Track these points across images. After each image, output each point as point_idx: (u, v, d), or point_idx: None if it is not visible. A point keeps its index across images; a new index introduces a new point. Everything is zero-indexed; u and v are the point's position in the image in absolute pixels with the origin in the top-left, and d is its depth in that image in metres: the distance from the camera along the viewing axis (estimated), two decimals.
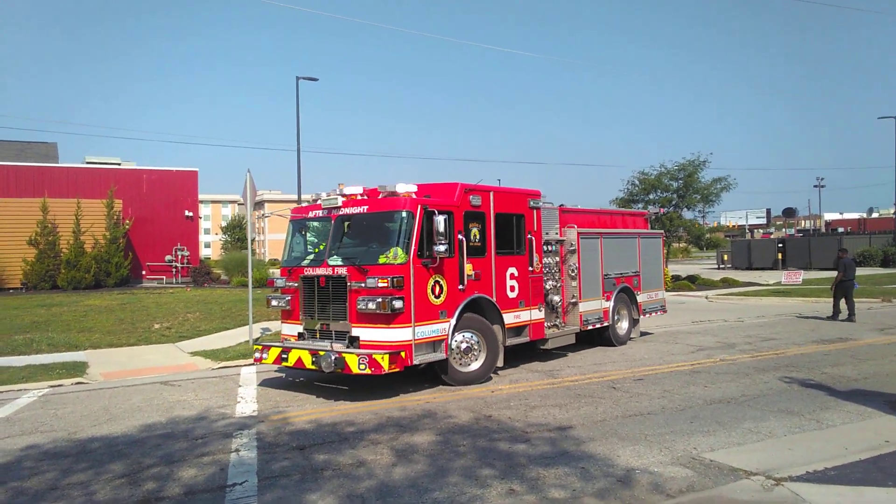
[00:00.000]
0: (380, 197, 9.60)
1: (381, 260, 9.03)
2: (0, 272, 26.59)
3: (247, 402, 9.03)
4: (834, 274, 18.35)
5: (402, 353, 8.81)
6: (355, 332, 9.16)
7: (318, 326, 9.62)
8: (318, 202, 10.19)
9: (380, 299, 8.71)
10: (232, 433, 7.37)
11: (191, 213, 35.71)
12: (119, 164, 39.54)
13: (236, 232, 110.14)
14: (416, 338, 9.03)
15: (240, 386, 10.17)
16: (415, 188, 9.54)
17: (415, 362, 9.01)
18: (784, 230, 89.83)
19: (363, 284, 8.96)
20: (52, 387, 10.49)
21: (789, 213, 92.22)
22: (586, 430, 7.25)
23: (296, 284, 9.82)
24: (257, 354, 9.96)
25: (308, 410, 8.48)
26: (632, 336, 14.22)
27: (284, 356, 9.45)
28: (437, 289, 9.36)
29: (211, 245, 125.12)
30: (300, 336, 9.86)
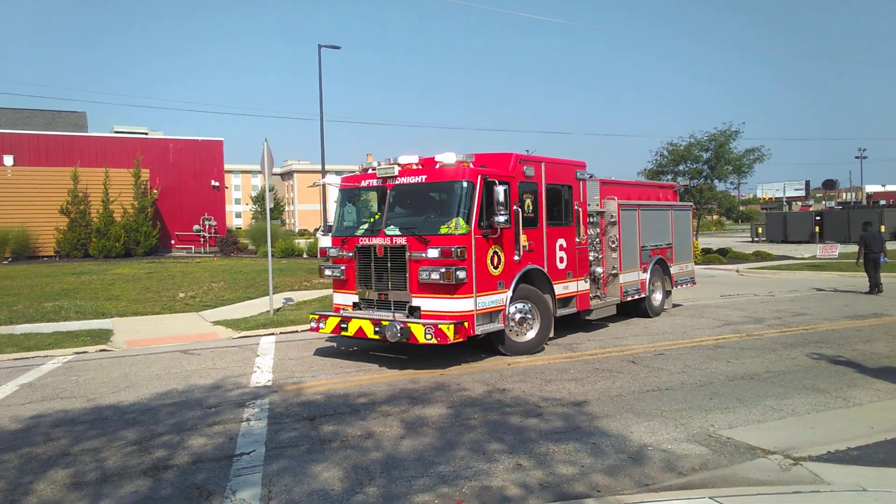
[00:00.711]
0: (437, 167, 9.43)
1: (443, 230, 8.92)
2: (34, 240, 27.17)
3: (263, 371, 9.07)
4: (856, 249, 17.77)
5: (465, 324, 8.79)
6: (416, 301, 9.11)
7: (375, 296, 9.55)
8: (370, 171, 10.02)
9: (443, 269, 8.66)
10: (245, 402, 7.40)
11: (217, 183, 35.94)
12: (146, 134, 39.88)
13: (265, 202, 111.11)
14: (478, 308, 9.01)
15: (258, 356, 10.23)
16: (472, 158, 9.47)
17: (476, 332, 8.99)
18: (824, 203, 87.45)
19: (424, 255, 8.89)
20: (76, 353, 10.69)
21: (829, 184, 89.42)
22: (601, 405, 7.10)
23: (350, 254, 9.76)
24: (313, 324, 9.87)
25: (322, 381, 8.48)
26: (665, 307, 14.28)
27: (344, 326, 9.40)
28: (496, 259, 9.34)
29: (242, 215, 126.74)
30: (355, 306, 9.82)
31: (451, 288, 8.81)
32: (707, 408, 6.94)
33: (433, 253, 8.80)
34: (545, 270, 10.30)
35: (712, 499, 4.45)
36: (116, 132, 41.22)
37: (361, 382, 8.35)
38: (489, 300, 9.20)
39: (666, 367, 8.87)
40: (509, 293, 9.51)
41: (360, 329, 9.20)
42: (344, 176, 10.76)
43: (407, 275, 9.10)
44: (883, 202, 61.88)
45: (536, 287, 10.13)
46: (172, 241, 33.93)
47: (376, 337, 9.05)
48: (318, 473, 5.24)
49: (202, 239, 34.91)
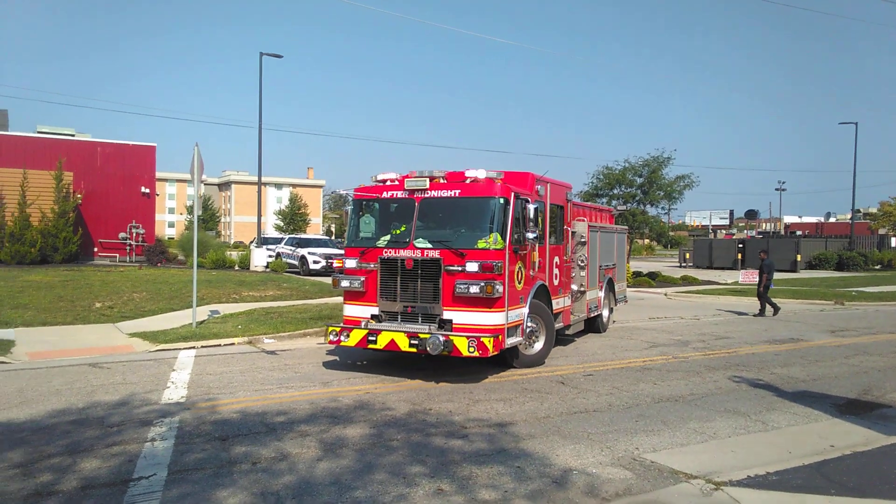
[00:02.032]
0: (467, 182, 9.57)
1: (481, 245, 9.02)
2: None
3: (177, 387, 8.53)
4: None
5: (499, 337, 8.88)
6: (447, 314, 9.09)
7: (400, 308, 9.43)
8: (388, 182, 10.04)
9: (483, 283, 8.75)
10: (152, 421, 6.89)
11: (147, 190, 34.55)
12: (73, 136, 37.97)
13: (201, 213, 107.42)
14: (508, 322, 9.14)
15: (174, 370, 9.64)
16: (502, 175, 9.62)
17: (505, 346, 9.08)
18: (746, 231, 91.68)
19: (461, 268, 8.95)
20: None
21: (751, 214, 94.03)
22: (528, 426, 6.96)
23: (372, 266, 9.60)
24: (333, 337, 9.56)
25: (240, 398, 8.03)
26: (609, 324, 15.00)
27: (372, 338, 9.16)
28: (520, 275, 9.56)
29: (175, 225, 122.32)
30: (375, 318, 9.63)
31: (488, 302, 8.89)
32: (633, 430, 6.91)
33: (472, 267, 8.89)
34: (548, 286, 10.72)
35: None
36: (40, 132, 39.11)
37: (282, 400, 7.95)
38: (514, 314, 9.34)
39: (594, 389, 8.84)
40: (527, 308, 9.77)
41: (393, 342, 9.05)
42: (358, 186, 10.64)
43: (440, 287, 9.07)
44: (799, 233, 65.28)
45: (542, 302, 10.43)
46: (95, 249, 32.33)
47: (411, 350, 8.90)
48: (223, 500, 4.86)
49: (128, 247, 33.41)
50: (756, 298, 19.15)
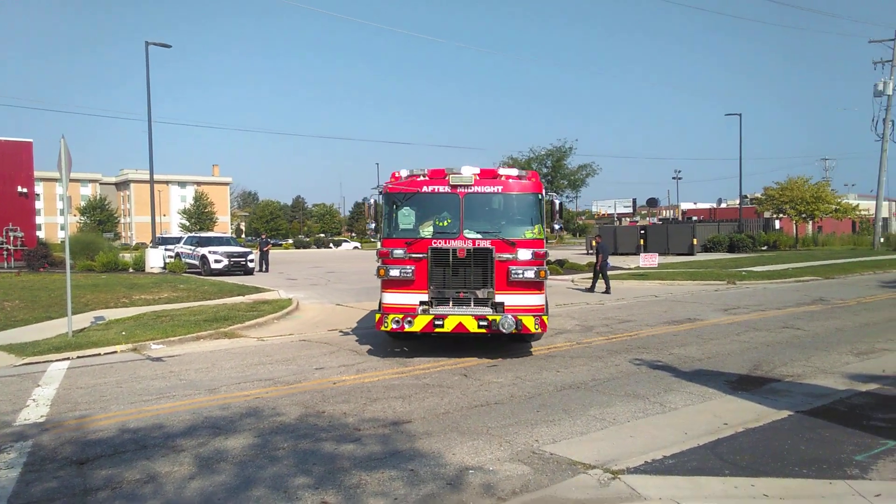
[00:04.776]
0: (502, 178, 10.29)
1: (528, 235, 10.03)
2: None
3: (39, 405, 7.62)
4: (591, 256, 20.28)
5: (545, 315, 10.02)
6: (499, 297, 9.86)
7: (452, 294, 9.94)
8: (420, 178, 10.33)
9: (536, 269, 9.78)
10: (0, 446, 6.05)
11: (25, 190, 31.87)
12: None
13: (96, 214, 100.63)
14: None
15: (38, 385, 8.66)
16: (528, 174, 10.47)
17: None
18: (648, 218, 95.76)
19: (513, 256, 9.80)
20: None
21: (652, 202, 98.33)
22: (426, 424, 6.64)
23: (422, 255, 9.97)
24: (395, 325, 9.78)
25: (112, 413, 7.25)
26: None
27: (439, 322, 9.67)
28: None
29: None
30: (426, 304, 9.96)
31: (538, 285, 9.91)
32: (534, 421, 6.72)
33: (525, 255, 9.81)
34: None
35: None
36: None
37: (160, 412, 7.24)
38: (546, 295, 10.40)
39: (497, 380, 8.64)
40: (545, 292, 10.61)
41: (461, 324, 9.65)
42: (391, 181, 10.57)
43: (493, 273, 9.80)
44: (695, 218, 68.63)
45: None
46: None
47: (480, 331, 9.62)
48: None
49: (5, 252, 30.70)
50: (592, 275, 21.38)
